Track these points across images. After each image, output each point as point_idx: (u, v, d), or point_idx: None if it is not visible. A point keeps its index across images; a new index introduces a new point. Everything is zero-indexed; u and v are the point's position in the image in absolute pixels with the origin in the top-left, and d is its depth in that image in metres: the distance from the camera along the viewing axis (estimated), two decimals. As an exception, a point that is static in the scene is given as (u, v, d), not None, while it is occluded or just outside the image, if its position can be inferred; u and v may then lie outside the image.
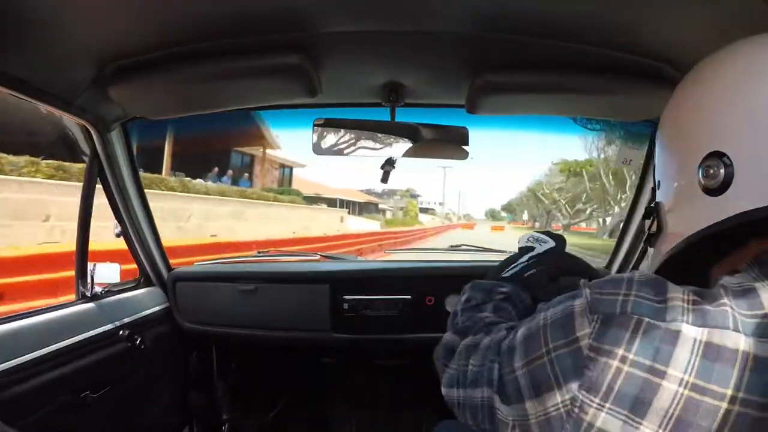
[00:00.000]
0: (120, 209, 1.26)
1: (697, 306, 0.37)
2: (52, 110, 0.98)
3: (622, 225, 1.47)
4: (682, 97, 0.51)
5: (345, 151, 1.15)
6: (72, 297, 1.15)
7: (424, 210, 35.38)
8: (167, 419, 1.42)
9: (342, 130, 1.15)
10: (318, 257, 1.71)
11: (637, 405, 0.35)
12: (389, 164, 1.19)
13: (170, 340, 1.41)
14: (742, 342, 0.34)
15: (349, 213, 19.24)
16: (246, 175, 13.47)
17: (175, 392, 1.47)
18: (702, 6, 0.72)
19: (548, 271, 0.74)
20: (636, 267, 1.39)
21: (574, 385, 0.38)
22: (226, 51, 0.90)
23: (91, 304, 1.13)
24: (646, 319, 0.37)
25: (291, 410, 1.77)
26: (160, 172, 9.29)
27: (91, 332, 1.07)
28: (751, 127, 0.42)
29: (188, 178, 9.54)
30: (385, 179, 1.22)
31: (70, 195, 5.25)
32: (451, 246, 1.84)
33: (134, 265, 1.39)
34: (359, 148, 1.16)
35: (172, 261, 1.48)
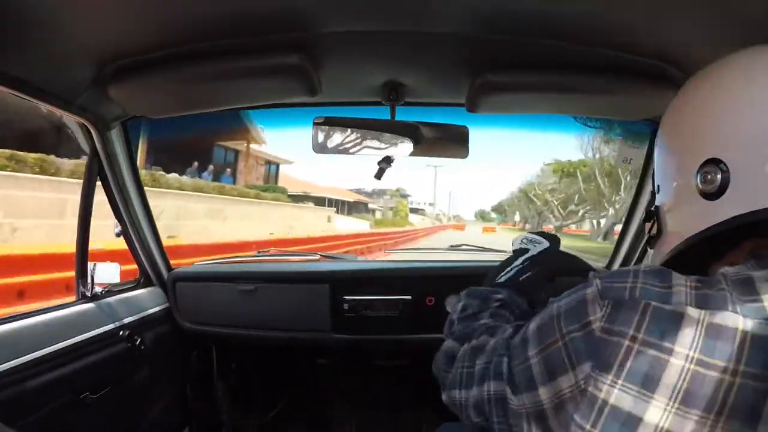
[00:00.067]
0: (120, 208, 1.26)
1: (699, 291, 0.40)
2: (52, 109, 0.99)
3: (621, 226, 1.47)
4: (684, 102, 0.52)
5: (345, 150, 1.14)
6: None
7: (414, 210, 35.23)
8: (167, 419, 1.41)
9: (342, 129, 1.15)
10: (318, 257, 1.71)
11: (648, 380, 0.38)
12: (387, 162, 1.18)
13: (170, 340, 1.41)
14: (740, 322, 0.37)
15: (337, 212, 18.90)
16: (229, 170, 12.92)
17: (175, 392, 1.47)
18: (702, 7, 0.72)
19: (544, 273, 0.74)
20: None
21: (587, 366, 0.40)
22: (226, 51, 0.89)
23: (91, 304, 1.13)
24: (653, 303, 0.39)
25: (291, 410, 1.77)
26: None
27: (91, 332, 1.07)
28: (746, 135, 0.44)
29: (161, 172, 8.96)
30: (379, 175, 1.21)
31: (20, 188, 4.66)
32: (452, 246, 1.84)
33: (134, 266, 1.39)
34: (360, 146, 1.16)
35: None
